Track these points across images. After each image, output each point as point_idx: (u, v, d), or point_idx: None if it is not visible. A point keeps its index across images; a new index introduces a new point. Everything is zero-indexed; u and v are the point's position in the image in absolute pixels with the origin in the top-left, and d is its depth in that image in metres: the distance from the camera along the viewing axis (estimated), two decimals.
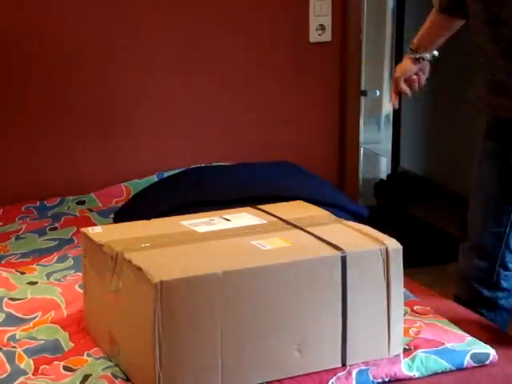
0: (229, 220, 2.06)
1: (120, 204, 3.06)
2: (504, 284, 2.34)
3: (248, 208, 2.17)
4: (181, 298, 1.67)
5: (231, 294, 1.71)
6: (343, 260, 1.81)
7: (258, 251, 1.83)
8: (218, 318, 1.71)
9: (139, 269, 1.71)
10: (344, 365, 1.84)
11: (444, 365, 1.86)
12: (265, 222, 2.04)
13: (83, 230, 2.02)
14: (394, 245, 1.86)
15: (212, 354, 1.71)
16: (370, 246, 1.86)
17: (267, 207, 2.17)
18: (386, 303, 1.86)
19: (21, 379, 1.84)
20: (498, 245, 2.30)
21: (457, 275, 2.44)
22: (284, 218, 2.06)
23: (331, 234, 1.92)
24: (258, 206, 2.18)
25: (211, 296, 1.70)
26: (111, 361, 1.88)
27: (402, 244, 1.88)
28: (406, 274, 1.91)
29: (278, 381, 1.78)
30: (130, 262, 1.76)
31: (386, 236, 1.90)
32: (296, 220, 2.04)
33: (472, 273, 2.36)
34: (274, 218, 2.06)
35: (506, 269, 2.33)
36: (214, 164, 3.27)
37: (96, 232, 1.98)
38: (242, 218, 2.08)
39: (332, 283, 1.80)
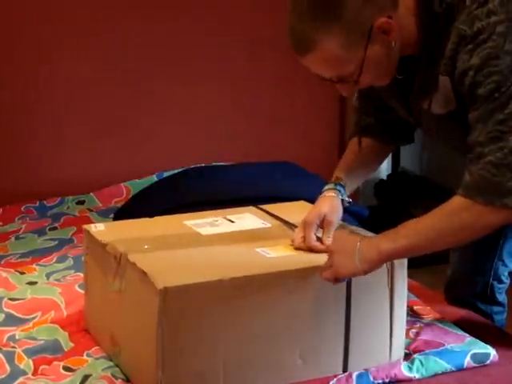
0: (232, 221, 2.05)
1: (120, 204, 3.06)
2: (499, 298, 2.28)
3: (251, 208, 2.16)
4: (184, 304, 1.66)
5: (235, 301, 1.70)
6: None
7: (262, 258, 1.82)
8: (221, 325, 1.70)
9: (144, 273, 1.69)
10: (345, 371, 1.83)
11: (444, 365, 1.86)
12: (268, 225, 2.03)
13: (86, 227, 2.01)
14: None
15: (214, 359, 1.71)
16: None
17: (270, 208, 2.16)
18: (389, 310, 1.85)
19: (20, 379, 1.84)
20: (492, 257, 2.20)
21: (447, 287, 2.33)
22: (287, 220, 2.05)
23: None
24: (261, 207, 2.17)
25: (215, 303, 1.69)
26: (111, 361, 1.88)
27: None
28: None
29: None
30: (134, 264, 1.74)
31: None
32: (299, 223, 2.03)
33: (465, 287, 2.27)
34: (278, 221, 2.06)
35: (500, 282, 2.26)
36: (213, 164, 3.27)
37: (99, 230, 1.97)
38: (246, 219, 2.07)
39: (335, 291, 1.79)
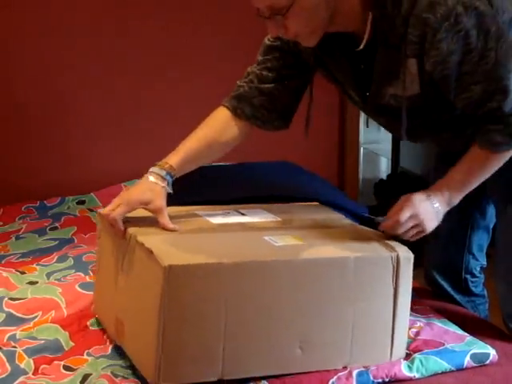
0: (244, 215, 2.06)
1: None
2: (476, 290, 2.31)
3: (264, 205, 2.17)
4: (188, 283, 1.69)
5: (238, 284, 1.72)
6: (353, 263, 1.80)
7: (269, 246, 1.83)
8: (222, 307, 1.72)
9: (150, 252, 1.73)
10: (345, 367, 1.84)
11: (444, 365, 1.86)
12: (279, 219, 2.04)
13: (100, 210, 2.02)
14: (405, 252, 1.85)
15: (214, 341, 1.73)
16: (381, 251, 1.85)
17: (283, 206, 2.17)
18: (392, 310, 1.85)
19: (21, 379, 1.84)
20: (461, 249, 2.25)
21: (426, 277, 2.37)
22: (299, 217, 2.06)
23: (344, 237, 1.92)
24: (274, 205, 2.19)
25: (217, 285, 1.71)
26: (111, 360, 1.89)
27: (401, 244, 1.88)
28: None
29: (278, 378, 1.79)
30: (142, 244, 1.78)
31: (397, 243, 1.89)
32: (310, 220, 2.04)
33: (441, 278, 2.31)
34: (289, 217, 2.06)
35: (473, 276, 2.29)
36: (214, 164, 3.27)
37: None
38: (258, 214, 2.08)
39: (339, 285, 1.80)
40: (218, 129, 2.04)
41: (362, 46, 1.80)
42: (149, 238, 1.82)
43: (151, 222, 1.91)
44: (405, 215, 1.86)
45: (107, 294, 1.99)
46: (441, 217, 1.92)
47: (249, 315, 1.75)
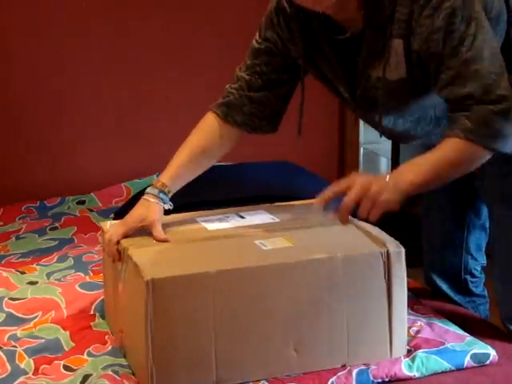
0: (243, 217, 2.06)
1: (120, 204, 3.06)
2: (476, 290, 2.30)
3: (267, 205, 2.17)
4: (172, 295, 1.70)
5: (224, 292, 1.73)
6: (340, 262, 1.80)
7: (256, 251, 1.83)
8: (210, 316, 1.73)
9: (136, 265, 1.75)
10: (343, 366, 1.84)
11: (444, 365, 1.86)
12: (277, 220, 2.04)
13: (102, 224, 2.06)
14: (395, 247, 1.85)
15: (206, 350, 1.73)
16: (370, 248, 1.85)
17: (285, 205, 2.17)
18: (387, 306, 1.85)
19: (21, 379, 1.84)
20: (460, 252, 2.25)
21: (426, 278, 2.36)
22: (297, 216, 2.06)
23: (336, 235, 1.92)
24: (278, 204, 2.19)
25: (203, 294, 1.72)
26: (112, 359, 1.89)
27: (401, 244, 1.87)
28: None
29: (278, 378, 1.79)
30: (131, 258, 1.80)
31: (390, 238, 1.88)
32: (308, 219, 2.03)
33: (440, 279, 2.31)
34: (287, 217, 2.06)
35: (473, 276, 2.28)
36: (214, 164, 3.27)
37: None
38: (257, 215, 2.08)
39: (328, 285, 1.80)
40: (209, 136, 2.06)
41: (350, 33, 1.80)
42: (139, 250, 1.83)
43: (146, 235, 1.93)
44: (351, 195, 1.78)
45: (113, 304, 2.01)
46: (399, 190, 1.78)
47: (238, 321, 1.75)
